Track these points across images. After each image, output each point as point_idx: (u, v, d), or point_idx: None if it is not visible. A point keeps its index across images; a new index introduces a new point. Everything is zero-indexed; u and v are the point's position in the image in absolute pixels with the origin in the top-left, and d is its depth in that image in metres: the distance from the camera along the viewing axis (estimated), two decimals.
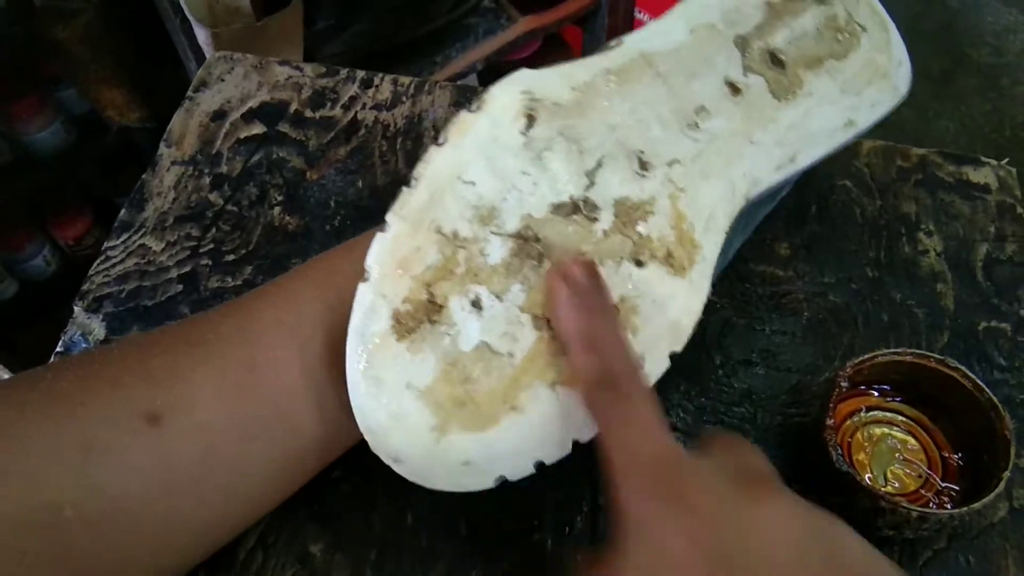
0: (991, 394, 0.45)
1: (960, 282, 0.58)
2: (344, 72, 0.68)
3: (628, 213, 0.39)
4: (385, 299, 0.36)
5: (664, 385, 0.52)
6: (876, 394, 0.49)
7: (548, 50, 1.68)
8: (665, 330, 0.38)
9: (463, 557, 0.45)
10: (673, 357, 0.38)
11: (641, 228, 0.39)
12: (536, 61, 1.67)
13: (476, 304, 0.37)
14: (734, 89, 0.43)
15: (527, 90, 0.39)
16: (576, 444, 0.38)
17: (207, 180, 0.60)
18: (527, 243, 0.38)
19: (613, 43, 0.42)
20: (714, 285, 0.54)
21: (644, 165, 0.40)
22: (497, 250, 0.37)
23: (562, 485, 0.47)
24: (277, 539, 0.45)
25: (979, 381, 0.45)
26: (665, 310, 0.38)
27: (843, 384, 0.46)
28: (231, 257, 0.56)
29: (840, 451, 0.44)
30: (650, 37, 0.43)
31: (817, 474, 0.46)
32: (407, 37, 1.39)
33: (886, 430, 0.48)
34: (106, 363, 0.38)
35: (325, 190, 0.60)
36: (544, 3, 1.50)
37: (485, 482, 0.37)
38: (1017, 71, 2.09)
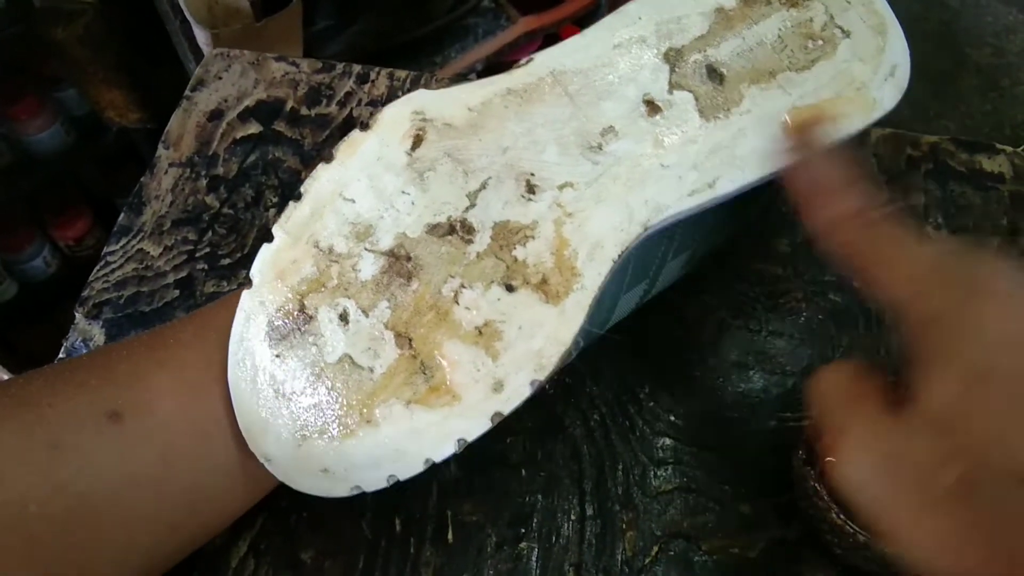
0: None
1: None
2: (340, 67, 0.68)
3: (506, 237, 0.39)
4: (263, 306, 0.38)
5: (655, 389, 0.52)
6: None
7: None
8: (528, 358, 0.38)
9: (450, 564, 0.45)
10: (534, 385, 0.38)
11: (518, 252, 0.39)
12: None
13: (343, 317, 0.38)
14: (652, 108, 0.41)
15: (419, 110, 0.39)
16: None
17: (204, 182, 0.61)
18: (398, 261, 0.38)
19: (524, 60, 0.41)
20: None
21: (532, 188, 0.39)
22: (369, 266, 0.38)
23: (550, 493, 0.47)
24: (268, 546, 0.46)
25: None
26: (530, 338, 0.38)
27: None
28: (227, 261, 0.57)
29: (812, 450, 0.43)
30: (566, 53, 0.42)
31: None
32: (406, 37, 1.39)
33: None
34: (74, 368, 0.41)
35: None
36: (544, 3, 1.50)
37: (342, 490, 0.39)
38: (1017, 71, 2.06)
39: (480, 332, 0.38)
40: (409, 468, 0.38)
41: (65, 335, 0.55)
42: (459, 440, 0.38)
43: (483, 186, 0.39)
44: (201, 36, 1.17)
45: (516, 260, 0.38)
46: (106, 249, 0.59)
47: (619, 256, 0.39)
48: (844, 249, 0.36)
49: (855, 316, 0.54)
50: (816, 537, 0.44)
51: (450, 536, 0.46)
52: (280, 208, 0.60)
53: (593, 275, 0.39)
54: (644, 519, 0.47)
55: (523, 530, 0.46)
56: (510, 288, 0.38)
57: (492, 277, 0.38)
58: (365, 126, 0.39)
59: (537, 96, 0.40)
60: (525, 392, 0.38)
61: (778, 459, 0.48)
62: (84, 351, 0.54)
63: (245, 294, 0.38)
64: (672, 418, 0.50)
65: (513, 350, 0.38)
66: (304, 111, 0.66)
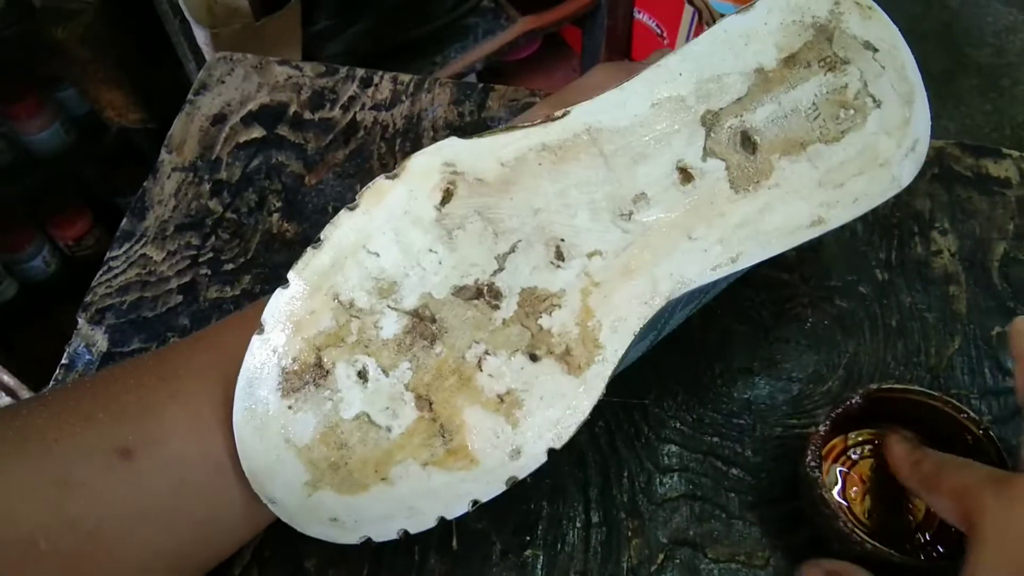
0: (999, 446, 0.43)
1: (975, 284, 0.55)
2: (343, 71, 0.67)
3: (533, 304, 0.38)
4: (275, 355, 0.37)
5: (660, 395, 0.52)
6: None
7: (548, 50, 1.68)
8: (546, 427, 0.38)
9: (456, 572, 0.45)
10: (551, 453, 0.38)
11: (544, 321, 0.38)
12: (536, 62, 1.68)
13: (362, 375, 0.37)
14: (685, 176, 0.40)
15: (450, 162, 0.38)
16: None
17: (207, 187, 0.60)
18: (422, 322, 0.38)
19: (560, 113, 0.40)
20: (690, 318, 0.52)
21: (561, 255, 0.39)
22: (391, 325, 0.37)
23: (555, 500, 0.47)
24: (272, 555, 0.46)
25: (992, 433, 0.43)
26: (550, 408, 0.38)
27: (855, 400, 0.45)
28: (230, 266, 0.56)
29: (820, 457, 0.43)
30: (603, 109, 0.40)
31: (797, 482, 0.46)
32: (406, 37, 1.39)
33: None
34: (79, 399, 0.39)
35: (323, 195, 0.60)
36: (544, 3, 1.50)
37: (350, 539, 0.38)
38: (1017, 71, 2.07)
39: (502, 400, 0.38)
40: (421, 524, 0.38)
41: (65, 335, 0.54)
42: (473, 501, 0.38)
43: (513, 249, 0.38)
44: (200, 35, 1.17)
45: (541, 329, 0.38)
46: (109, 254, 0.58)
47: (640, 329, 0.39)
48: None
49: (861, 322, 0.54)
50: (823, 544, 0.44)
51: (455, 544, 0.46)
52: (283, 213, 0.60)
53: (615, 348, 0.38)
54: (649, 526, 0.47)
55: (528, 538, 0.46)
56: (534, 357, 0.38)
57: (517, 346, 0.38)
58: (392, 174, 0.38)
59: (572, 155, 0.39)
60: (542, 459, 0.38)
61: (784, 466, 0.49)
62: (87, 356, 0.53)
63: (256, 339, 0.37)
64: (678, 425, 0.50)
65: (533, 418, 0.38)
66: (307, 115, 0.65)
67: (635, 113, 0.40)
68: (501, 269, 0.38)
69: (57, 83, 1.44)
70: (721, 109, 0.41)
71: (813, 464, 0.43)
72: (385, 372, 0.37)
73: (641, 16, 1.71)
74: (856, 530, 0.41)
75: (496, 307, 0.38)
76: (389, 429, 0.37)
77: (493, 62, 1.44)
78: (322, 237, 0.37)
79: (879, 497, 0.46)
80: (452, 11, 1.42)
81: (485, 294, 0.38)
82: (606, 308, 0.38)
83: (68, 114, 1.47)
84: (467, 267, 0.38)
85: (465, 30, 1.44)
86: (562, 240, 0.39)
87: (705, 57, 0.41)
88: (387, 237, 0.37)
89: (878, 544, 0.41)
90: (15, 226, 1.52)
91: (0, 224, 1.49)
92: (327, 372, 0.37)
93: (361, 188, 0.38)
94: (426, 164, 0.38)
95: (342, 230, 0.37)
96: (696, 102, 0.41)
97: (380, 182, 0.38)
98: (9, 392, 1.34)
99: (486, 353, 0.38)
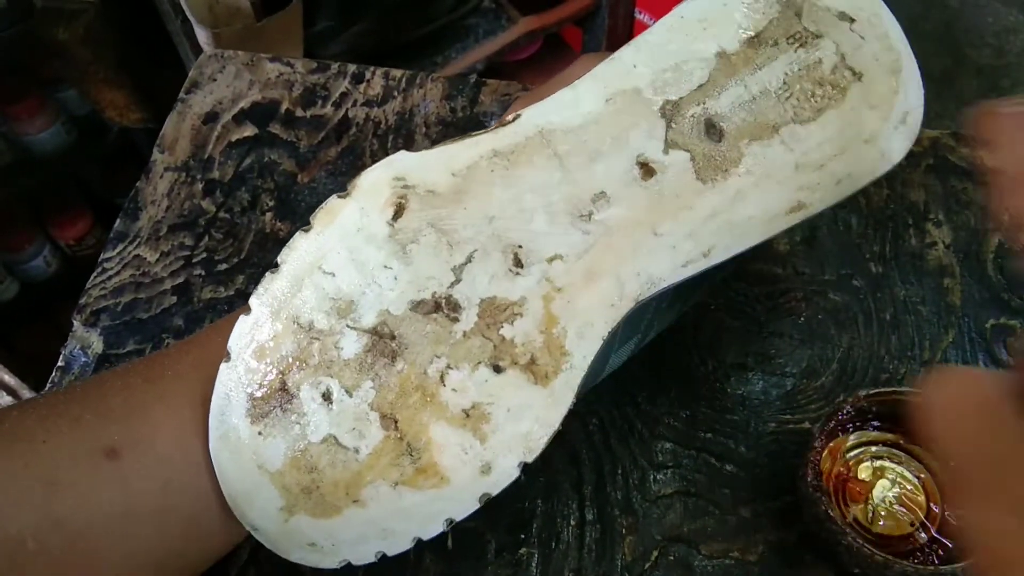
0: None
1: (969, 276, 0.54)
2: (335, 67, 0.67)
3: (493, 314, 0.37)
4: (242, 382, 0.37)
5: (654, 392, 0.52)
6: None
7: (549, 51, 1.67)
8: (516, 441, 0.37)
9: (451, 571, 0.45)
10: (523, 467, 0.37)
11: (505, 331, 0.37)
12: (536, 62, 1.67)
13: (327, 397, 0.37)
14: (646, 171, 0.38)
15: (400, 176, 0.38)
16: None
17: (200, 186, 0.60)
18: (382, 340, 0.37)
19: (511, 117, 0.39)
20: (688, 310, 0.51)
21: (519, 262, 0.38)
22: (352, 344, 0.37)
23: (549, 498, 0.47)
24: (269, 555, 0.45)
25: None
26: (519, 420, 0.37)
27: (849, 409, 0.44)
28: (223, 266, 0.56)
29: (819, 475, 0.43)
30: (555, 109, 0.39)
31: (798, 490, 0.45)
32: (407, 38, 1.38)
33: (898, 468, 0.45)
34: (68, 402, 0.40)
35: (316, 193, 0.60)
36: (544, 3, 1.50)
37: (331, 562, 0.38)
38: (1018, 72, 2.05)
39: (467, 414, 0.37)
40: (397, 545, 0.38)
41: (66, 335, 0.55)
42: (447, 520, 0.37)
43: (469, 259, 0.37)
44: (202, 36, 1.17)
45: (503, 339, 0.37)
46: (103, 256, 0.58)
47: (609, 333, 0.38)
48: None
49: (854, 315, 0.54)
50: (814, 538, 0.44)
51: (450, 543, 0.46)
52: (276, 212, 0.60)
53: (583, 355, 0.37)
54: (643, 524, 0.47)
55: (523, 536, 0.46)
56: (497, 369, 0.37)
57: (479, 358, 0.37)
58: (343, 193, 0.37)
59: (525, 158, 0.38)
60: (514, 474, 0.37)
61: (778, 461, 0.48)
62: (83, 359, 0.54)
63: (223, 367, 0.37)
64: (671, 421, 0.50)
65: (501, 432, 0.37)
66: (299, 112, 0.65)
67: (588, 111, 0.39)
68: (458, 281, 0.37)
69: (58, 83, 1.45)
70: (681, 98, 0.39)
71: (815, 483, 0.42)
72: (349, 393, 0.37)
73: (641, 16, 1.71)
74: (866, 545, 0.41)
75: (455, 320, 0.37)
76: (357, 450, 0.37)
77: (494, 62, 1.44)
78: (279, 261, 0.37)
79: (878, 499, 0.45)
80: (453, 11, 1.42)
81: (443, 307, 0.37)
82: (570, 314, 0.37)
83: (69, 114, 1.48)
84: (423, 281, 0.37)
85: (466, 30, 1.44)
86: (520, 247, 0.38)
87: (661, 46, 0.39)
88: (342, 256, 0.37)
89: (888, 556, 0.40)
90: (16, 226, 1.53)
91: (1, 224, 1.50)
92: (292, 396, 0.37)
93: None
94: (376, 180, 0.38)
95: (298, 252, 0.37)
96: (654, 93, 0.39)
97: (332, 201, 0.37)
98: (10, 392, 1.34)
99: (448, 367, 0.37)
